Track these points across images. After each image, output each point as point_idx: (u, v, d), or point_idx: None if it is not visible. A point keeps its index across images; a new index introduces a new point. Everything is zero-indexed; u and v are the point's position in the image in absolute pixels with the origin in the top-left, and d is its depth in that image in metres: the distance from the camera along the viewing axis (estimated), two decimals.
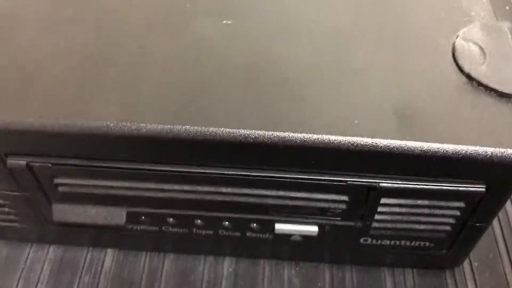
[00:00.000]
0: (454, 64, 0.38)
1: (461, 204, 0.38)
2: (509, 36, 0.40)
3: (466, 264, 0.47)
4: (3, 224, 0.46)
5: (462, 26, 0.41)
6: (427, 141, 0.34)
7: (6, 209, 0.44)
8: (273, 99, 0.36)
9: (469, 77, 0.37)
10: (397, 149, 0.34)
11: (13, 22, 0.41)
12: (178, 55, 0.39)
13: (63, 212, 0.42)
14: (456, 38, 0.40)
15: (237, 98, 0.36)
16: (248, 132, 0.34)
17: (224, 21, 0.41)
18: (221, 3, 0.42)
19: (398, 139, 0.34)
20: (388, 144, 0.34)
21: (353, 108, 0.35)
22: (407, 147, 0.34)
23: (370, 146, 0.34)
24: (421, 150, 0.34)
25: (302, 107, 0.35)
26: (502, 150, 0.33)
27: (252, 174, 0.37)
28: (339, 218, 0.40)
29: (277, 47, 0.39)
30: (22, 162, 0.37)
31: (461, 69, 0.38)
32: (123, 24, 0.41)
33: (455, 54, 0.39)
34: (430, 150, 0.34)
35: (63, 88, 0.37)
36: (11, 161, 0.37)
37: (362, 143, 0.34)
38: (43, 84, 0.37)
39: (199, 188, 0.39)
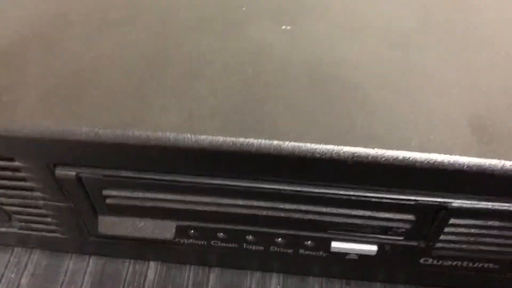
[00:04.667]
0: None
1: None
2: None
3: None
4: (44, 234, 0.44)
5: None
6: (509, 159, 0.31)
7: (49, 219, 0.42)
8: (341, 108, 0.34)
9: None
10: (476, 167, 0.31)
11: (64, 24, 0.40)
12: (238, 59, 0.37)
13: (110, 224, 0.40)
14: None
15: (302, 108, 0.34)
16: (315, 147, 0.32)
17: (283, 27, 0.39)
18: (278, 8, 0.40)
19: (477, 157, 0.31)
20: (467, 162, 0.31)
21: (427, 120, 0.33)
22: (488, 165, 0.31)
23: (448, 164, 0.31)
24: (502, 169, 0.31)
25: (372, 119, 0.33)
26: None
27: (314, 190, 0.35)
28: (401, 238, 0.38)
29: (342, 52, 0.37)
30: (72, 172, 0.36)
31: None
32: (178, 26, 0.39)
33: None
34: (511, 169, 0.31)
35: (117, 93, 0.35)
36: (60, 172, 0.36)
37: (439, 160, 0.31)
38: (97, 89, 0.35)
39: (255, 203, 0.37)
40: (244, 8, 0.40)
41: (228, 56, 0.37)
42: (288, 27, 0.38)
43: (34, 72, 0.36)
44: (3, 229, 0.44)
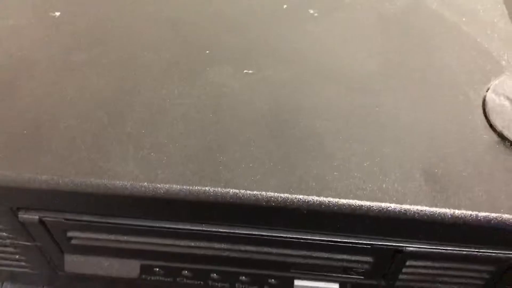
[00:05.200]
0: (485, 120, 0.37)
1: (491, 268, 0.36)
2: None
3: None
4: (14, 269, 0.44)
5: (493, 77, 0.39)
6: (459, 208, 0.32)
7: (17, 257, 0.42)
8: (297, 157, 0.34)
9: (501, 136, 0.36)
10: (427, 216, 0.32)
11: (24, 67, 0.40)
12: (198, 105, 0.37)
13: (76, 263, 0.41)
14: (487, 91, 0.38)
15: (259, 156, 0.34)
16: (270, 195, 0.32)
17: (245, 70, 0.39)
18: (242, 51, 0.41)
19: (428, 206, 0.32)
20: (418, 211, 0.32)
21: (381, 167, 0.34)
22: (438, 214, 0.32)
23: (399, 213, 0.32)
24: (452, 217, 0.32)
25: (327, 167, 0.34)
26: None
27: (273, 234, 0.35)
28: (362, 277, 0.39)
29: (301, 97, 0.38)
30: (35, 217, 0.36)
31: (492, 127, 0.36)
32: (140, 70, 0.40)
33: (486, 109, 0.37)
34: (462, 218, 0.32)
35: (77, 140, 0.35)
36: (23, 216, 0.36)
37: (391, 209, 0.32)
38: (56, 136, 0.35)
39: (216, 245, 0.37)
40: (207, 51, 0.40)
41: (188, 102, 0.37)
42: (250, 71, 0.39)
43: None
44: None
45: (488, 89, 0.39)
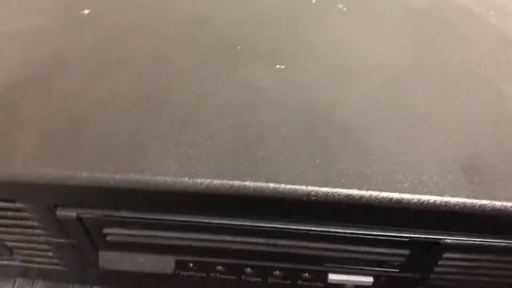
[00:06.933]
0: None
1: None
2: None
3: None
4: (46, 267, 0.45)
5: None
6: (499, 200, 0.32)
7: (50, 254, 0.43)
8: (335, 151, 0.34)
9: None
10: (467, 208, 0.32)
11: (59, 65, 0.40)
12: (232, 102, 0.37)
13: (110, 259, 0.41)
14: None
15: (296, 151, 0.34)
16: (311, 189, 0.33)
17: (277, 66, 0.39)
18: (272, 46, 0.41)
19: (468, 198, 0.32)
20: (458, 203, 0.32)
21: (419, 161, 0.34)
22: (478, 206, 0.32)
23: (440, 205, 0.32)
24: (492, 209, 0.32)
25: (366, 161, 0.34)
26: None
27: (309, 228, 0.36)
28: (396, 270, 0.39)
29: (335, 92, 0.38)
30: (72, 213, 0.36)
31: None
32: (173, 68, 0.40)
33: None
34: (502, 210, 0.32)
35: (115, 137, 0.35)
36: (61, 213, 0.36)
37: (431, 201, 0.32)
38: (94, 134, 0.36)
39: (253, 239, 0.37)
40: (239, 47, 0.40)
41: (223, 99, 0.37)
42: (282, 66, 0.39)
43: (31, 116, 0.37)
44: (5, 262, 0.45)
45: None
